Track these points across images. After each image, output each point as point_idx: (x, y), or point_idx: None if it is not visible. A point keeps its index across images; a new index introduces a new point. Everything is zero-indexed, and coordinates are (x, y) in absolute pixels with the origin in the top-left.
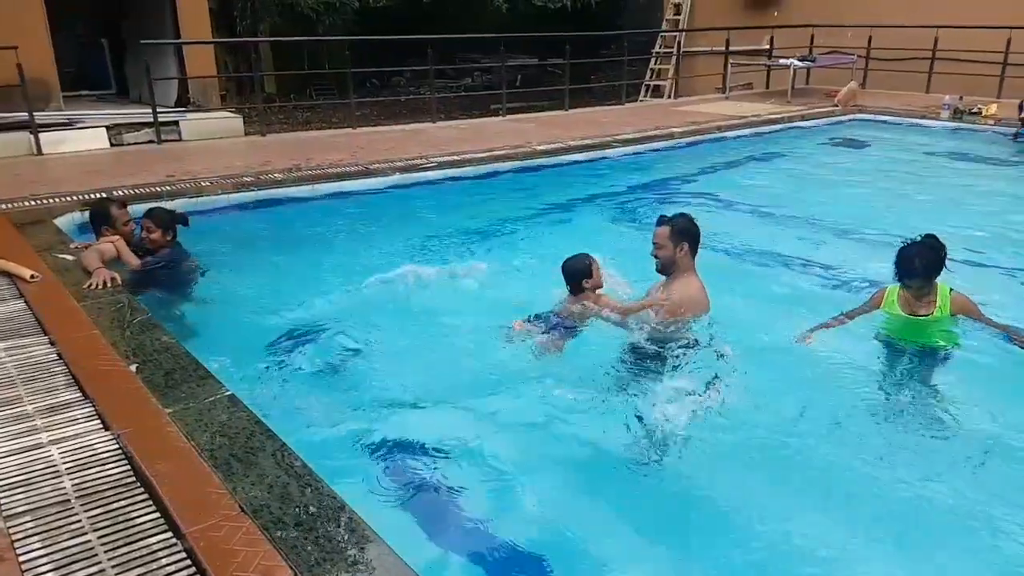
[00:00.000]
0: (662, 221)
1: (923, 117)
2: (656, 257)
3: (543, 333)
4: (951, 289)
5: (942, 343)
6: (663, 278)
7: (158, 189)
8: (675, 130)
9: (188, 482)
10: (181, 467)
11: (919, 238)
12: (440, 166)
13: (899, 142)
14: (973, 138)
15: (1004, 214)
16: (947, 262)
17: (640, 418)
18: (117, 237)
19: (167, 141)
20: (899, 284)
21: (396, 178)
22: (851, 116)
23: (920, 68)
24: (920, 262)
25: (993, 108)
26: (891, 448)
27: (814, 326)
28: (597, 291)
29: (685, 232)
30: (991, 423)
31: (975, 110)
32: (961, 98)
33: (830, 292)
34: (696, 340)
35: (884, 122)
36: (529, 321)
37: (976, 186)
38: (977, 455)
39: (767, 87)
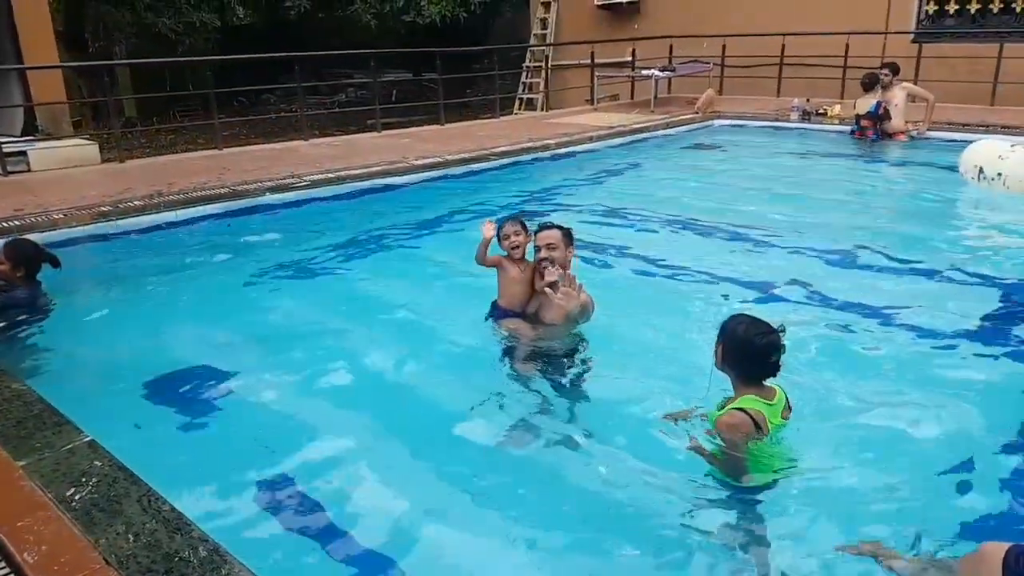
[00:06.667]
0: (547, 226)
1: (775, 120)
2: (547, 260)
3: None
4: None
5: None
6: None
7: (6, 224)
8: (549, 142)
9: (47, 538)
10: (38, 523)
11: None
12: (312, 184)
13: (754, 144)
14: (818, 137)
15: (843, 203)
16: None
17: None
18: None
19: (14, 173)
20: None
21: (266, 198)
22: (710, 122)
23: (770, 74)
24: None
25: (837, 108)
26: None
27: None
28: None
29: (571, 236)
30: None
31: (821, 111)
32: (808, 100)
33: (695, 287)
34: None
35: (740, 126)
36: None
37: (820, 179)
38: None
39: (632, 97)
